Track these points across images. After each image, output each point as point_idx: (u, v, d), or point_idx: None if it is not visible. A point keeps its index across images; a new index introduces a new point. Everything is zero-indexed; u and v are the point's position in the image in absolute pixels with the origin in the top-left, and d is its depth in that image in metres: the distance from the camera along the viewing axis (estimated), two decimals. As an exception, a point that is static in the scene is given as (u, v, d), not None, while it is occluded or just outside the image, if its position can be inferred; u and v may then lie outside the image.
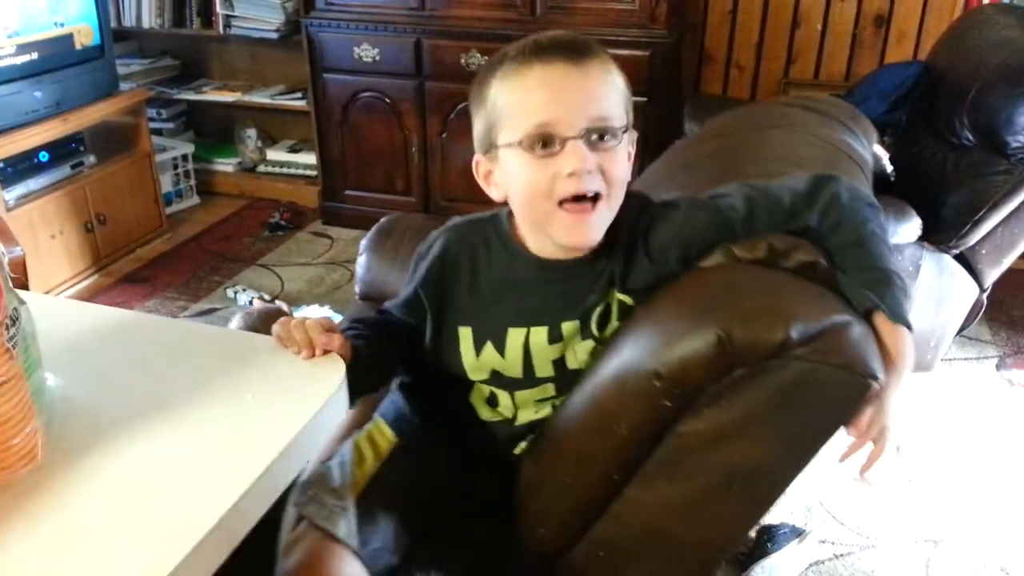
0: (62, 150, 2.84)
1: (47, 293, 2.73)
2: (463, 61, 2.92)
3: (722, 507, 0.96)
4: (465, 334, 1.04)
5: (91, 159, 2.94)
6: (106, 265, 2.98)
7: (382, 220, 1.88)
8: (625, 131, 0.95)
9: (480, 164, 1.01)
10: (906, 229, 2.14)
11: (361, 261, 1.83)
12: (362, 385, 0.95)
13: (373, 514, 1.01)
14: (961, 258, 2.21)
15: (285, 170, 3.62)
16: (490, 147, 0.97)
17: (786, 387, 0.85)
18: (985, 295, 2.30)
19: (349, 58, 3.05)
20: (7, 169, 2.63)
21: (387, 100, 3.08)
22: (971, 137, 2.16)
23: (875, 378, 0.85)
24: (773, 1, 2.95)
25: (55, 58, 2.74)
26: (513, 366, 1.03)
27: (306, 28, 3.07)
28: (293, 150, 3.63)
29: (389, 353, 1.07)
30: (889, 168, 2.08)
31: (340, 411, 0.87)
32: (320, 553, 0.93)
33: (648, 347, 0.91)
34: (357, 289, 1.85)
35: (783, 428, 0.89)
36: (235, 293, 2.81)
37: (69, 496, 0.70)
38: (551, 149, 0.91)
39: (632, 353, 0.94)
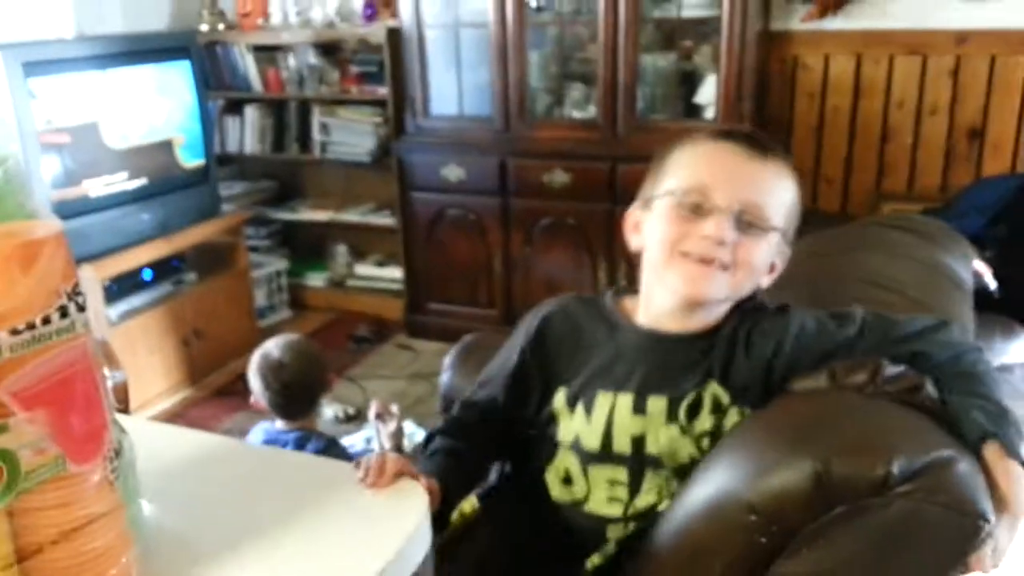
0: (164, 268, 2.98)
1: (142, 406, 2.81)
2: (545, 179, 2.98)
3: None
4: (561, 394, 1.07)
5: (191, 277, 3.08)
6: (200, 378, 3.07)
7: (466, 338, 1.89)
8: (775, 233, 0.99)
9: (632, 215, 1.08)
10: (1016, 347, 2.03)
11: (445, 378, 1.83)
12: (454, 501, 1.01)
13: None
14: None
15: (372, 284, 3.71)
16: (649, 198, 1.04)
17: (889, 528, 0.80)
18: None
19: (436, 178, 3.16)
20: (112, 287, 2.77)
21: (472, 216, 3.16)
22: (1080, 250, 2.06)
23: (986, 519, 0.79)
24: (861, 117, 2.94)
25: (163, 183, 2.92)
26: (594, 433, 1.04)
27: (396, 151, 3.21)
28: (380, 265, 3.74)
29: (480, 462, 1.11)
30: (992, 285, 1.99)
31: (423, 546, 0.86)
32: None
33: (742, 475, 0.88)
34: (439, 405, 1.85)
35: (887, 570, 0.83)
36: (321, 406, 2.84)
37: None
38: (699, 212, 0.97)
39: (726, 480, 0.90)
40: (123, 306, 2.80)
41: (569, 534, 1.08)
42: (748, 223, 0.96)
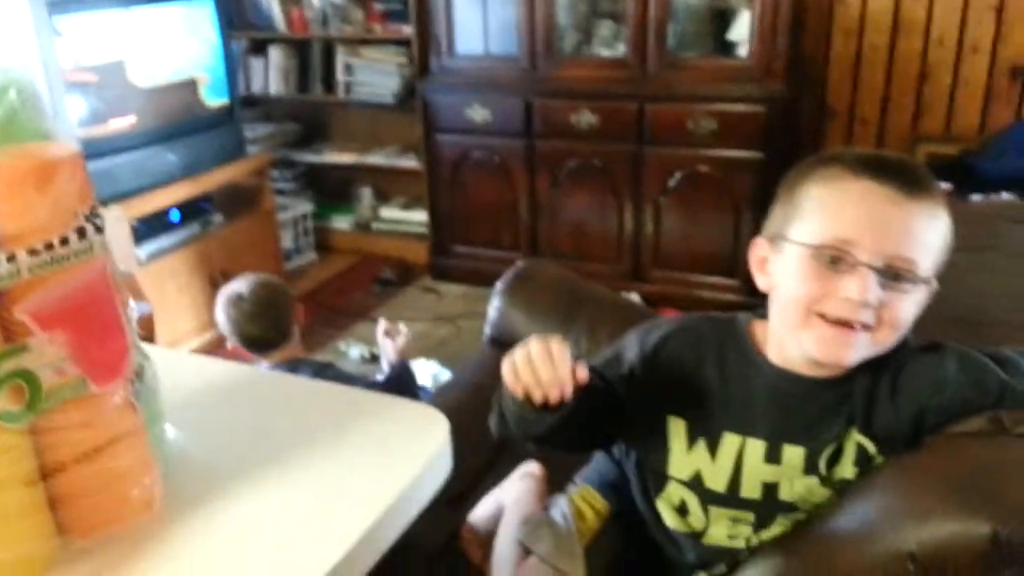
0: (192, 209, 3.00)
1: (173, 344, 2.86)
2: (573, 120, 2.94)
3: None
4: (678, 425, 0.97)
5: (218, 218, 3.10)
6: (228, 319, 3.10)
7: (520, 264, 1.87)
8: (925, 282, 0.87)
9: (759, 247, 0.95)
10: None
11: (494, 304, 1.80)
12: (567, 432, 0.91)
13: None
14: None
15: (397, 227, 3.71)
16: (778, 236, 0.91)
17: None
18: None
19: (460, 119, 3.12)
20: (142, 227, 2.79)
21: (497, 159, 3.13)
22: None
23: None
24: (899, 54, 2.85)
25: (188, 124, 2.92)
26: (719, 474, 0.96)
27: (420, 92, 3.17)
28: (405, 208, 3.73)
29: (603, 412, 0.99)
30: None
31: (442, 475, 0.87)
32: None
33: (902, 522, 0.82)
34: (487, 331, 1.83)
35: None
36: (347, 347, 2.87)
37: (183, 546, 0.72)
38: (839, 267, 0.84)
39: (881, 522, 0.85)
40: (152, 246, 2.83)
41: (677, 555, 1.05)
42: (896, 277, 0.84)
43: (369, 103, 3.50)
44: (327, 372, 1.96)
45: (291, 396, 0.99)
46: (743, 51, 2.73)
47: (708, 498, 0.97)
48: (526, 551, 1.01)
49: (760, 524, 0.96)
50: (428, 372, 2.56)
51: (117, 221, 2.59)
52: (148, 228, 2.82)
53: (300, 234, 3.66)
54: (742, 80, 2.70)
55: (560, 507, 1.06)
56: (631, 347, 1.01)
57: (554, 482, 1.24)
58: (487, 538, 1.18)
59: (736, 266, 2.85)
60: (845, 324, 0.85)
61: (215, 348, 2.95)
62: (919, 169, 0.88)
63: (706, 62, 2.80)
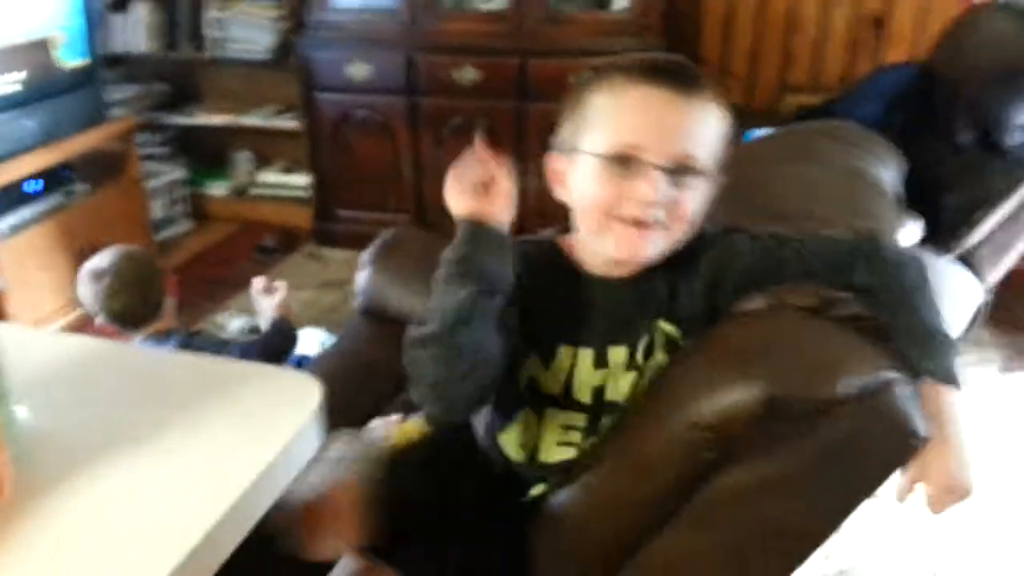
0: (52, 179, 2.81)
1: (37, 324, 2.70)
2: (455, 76, 2.90)
3: (756, 561, 0.94)
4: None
5: (81, 188, 2.91)
6: (98, 293, 2.94)
7: (386, 233, 1.85)
8: (709, 175, 0.93)
9: (554, 161, 0.99)
10: (905, 232, 2.11)
11: (363, 275, 1.78)
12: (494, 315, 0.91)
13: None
14: (962, 261, 2.18)
15: (278, 192, 3.59)
16: (571, 148, 0.95)
17: (832, 445, 0.85)
18: (987, 297, 2.26)
19: (340, 76, 3.03)
20: (-3, 199, 2.60)
21: (379, 117, 3.06)
22: (969, 137, 2.13)
23: (920, 439, 0.84)
24: (767, 8, 2.93)
25: (43, 87, 2.71)
26: (555, 379, 1.01)
27: (298, 48, 3.06)
28: (286, 171, 3.60)
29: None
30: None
31: (313, 443, 0.85)
32: (329, 480, 0.97)
33: (692, 395, 0.90)
34: (357, 303, 1.81)
35: (824, 485, 0.88)
36: (227, 319, 2.76)
37: (38, 532, 0.68)
38: (629, 170, 0.90)
39: (675, 400, 0.92)
40: (10, 219, 2.64)
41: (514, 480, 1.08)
42: (682, 173, 0.90)
43: (242, 60, 3.34)
44: (195, 340, 1.89)
45: (155, 371, 0.96)
46: (621, 4, 2.75)
47: (543, 403, 1.02)
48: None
49: (591, 429, 1.01)
50: (316, 340, 2.51)
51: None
52: (3, 200, 2.63)
53: (173, 202, 3.48)
54: (621, 34, 2.72)
55: (372, 431, 1.12)
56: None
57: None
58: None
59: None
60: (640, 223, 0.91)
61: (83, 327, 2.80)
62: (690, 69, 0.93)
63: (585, 16, 2.80)
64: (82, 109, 2.87)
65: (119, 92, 3.44)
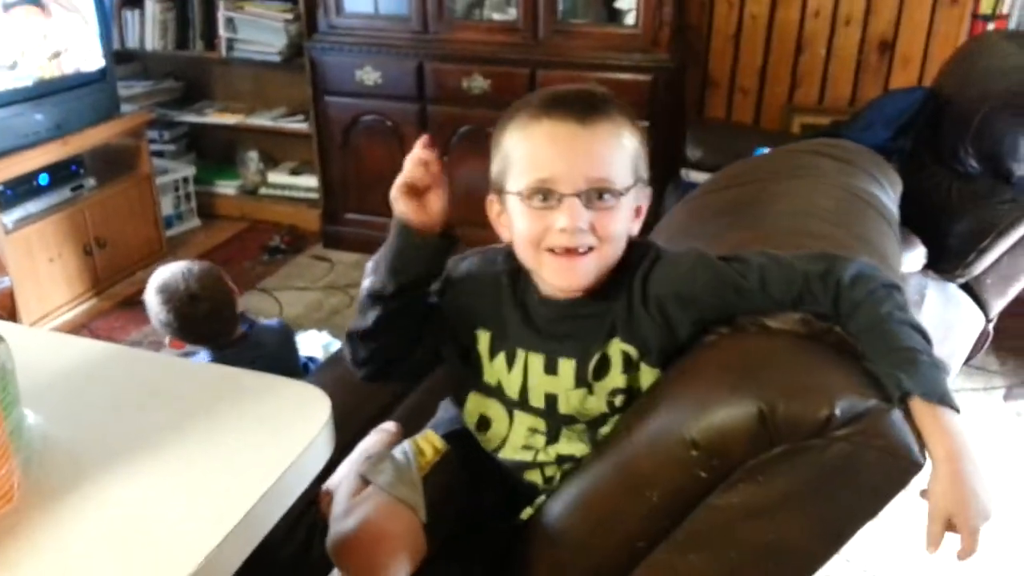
0: (62, 173, 2.83)
1: (44, 317, 2.71)
2: (465, 84, 2.91)
3: None
4: (483, 337, 1.07)
5: (91, 182, 2.93)
6: (105, 288, 2.96)
7: None
8: (629, 190, 0.96)
9: (493, 204, 1.04)
10: (910, 258, 2.12)
11: (367, 284, 1.79)
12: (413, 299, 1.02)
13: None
14: (967, 288, 2.19)
15: (286, 193, 3.61)
16: (500, 189, 1.00)
17: (826, 467, 0.84)
18: (991, 325, 2.27)
19: (351, 81, 3.04)
20: (6, 192, 2.62)
21: (389, 123, 3.07)
22: (976, 165, 2.14)
23: (919, 464, 0.83)
24: (777, 26, 2.94)
25: (56, 81, 2.73)
26: (514, 385, 1.06)
27: (308, 51, 3.08)
28: (294, 173, 3.62)
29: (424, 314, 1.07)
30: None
31: (324, 454, 0.86)
32: (386, 511, 1.01)
33: (685, 413, 0.90)
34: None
35: (820, 508, 0.88)
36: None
37: (46, 538, 0.69)
38: (549, 203, 0.94)
39: (668, 417, 0.93)
40: (19, 212, 2.66)
41: (506, 484, 1.11)
42: (599, 195, 0.94)
43: (253, 61, 3.37)
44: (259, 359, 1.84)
45: (166, 378, 0.96)
46: (631, 19, 2.76)
47: (508, 403, 1.07)
48: (365, 483, 1.07)
49: (551, 436, 1.06)
50: (319, 343, 2.52)
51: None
52: (14, 193, 2.65)
53: (182, 199, 3.51)
54: (629, 48, 2.73)
55: (402, 447, 1.13)
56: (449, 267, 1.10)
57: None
58: None
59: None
60: (570, 252, 0.95)
61: (91, 320, 2.82)
62: (592, 96, 0.96)
63: (595, 29, 2.82)
64: (94, 104, 2.89)
65: (131, 88, 3.46)
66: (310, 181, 3.49)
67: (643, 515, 0.94)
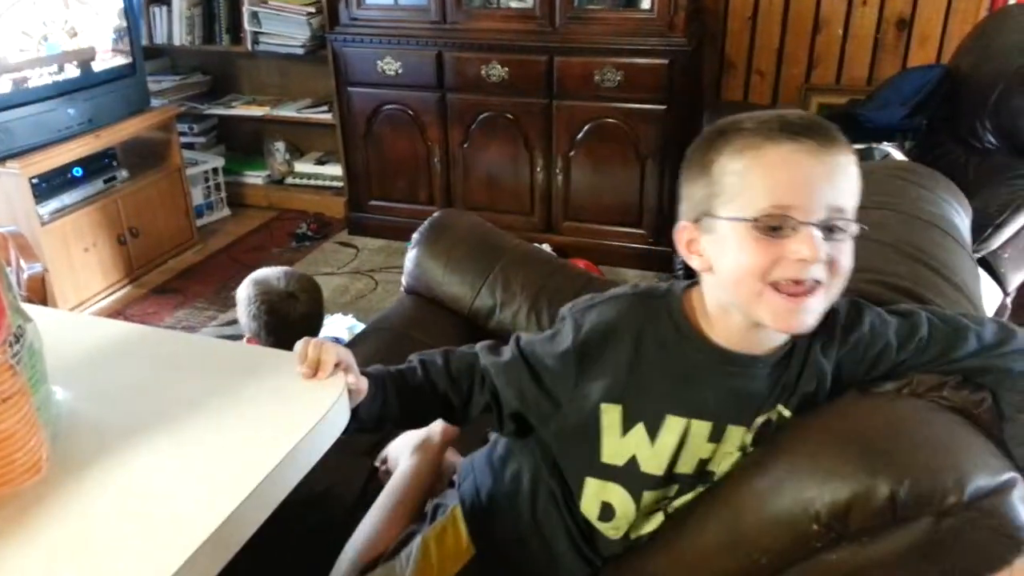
0: (95, 165, 2.92)
1: (80, 305, 2.81)
2: (484, 73, 2.95)
3: None
4: (612, 411, 0.95)
5: (123, 174, 3.02)
6: (138, 277, 3.06)
7: (436, 214, 1.85)
8: (856, 227, 0.89)
9: (686, 231, 0.92)
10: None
11: (411, 255, 1.79)
12: (366, 417, 0.96)
13: None
14: (984, 263, 2.18)
15: (312, 182, 3.68)
16: (704, 215, 0.89)
17: (935, 539, 0.82)
18: (1009, 299, 2.26)
19: (373, 72, 3.09)
20: (41, 185, 2.71)
21: (410, 112, 3.12)
22: (993, 140, 2.13)
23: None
24: (793, 7, 2.93)
25: (88, 76, 2.82)
26: (658, 458, 0.95)
27: (331, 43, 3.13)
28: (320, 162, 3.70)
29: (428, 407, 1.03)
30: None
31: (337, 427, 0.88)
32: None
33: (805, 481, 0.86)
34: (404, 282, 1.83)
35: (921, 574, 0.85)
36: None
37: (71, 508, 0.72)
38: (781, 232, 0.84)
39: (787, 486, 0.88)
40: (54, 204, 2.75)
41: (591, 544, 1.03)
42: (833, 229, 0.85)
43: (278, 54, 3.43)
44: None
45: (188, 355, 0.99)
46: (646, 3, 2.78)
47: (638, 483, 0.96)
48: None
49: (679, 494, 0.98)
50: (344, 326, 2.59)
51: (13, 178, 2.52)
52: (48, 186, 2.74)
53: (212, 189, 3.59)
54: (646, 33, 2.75)
55: (412, 546, 1.07)
56: (564, 335, 0.98)
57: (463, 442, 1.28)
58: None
59: (642, 216, 2.94)
60: (799, 285, 0.85)
61: (126, 307, 2.92)
62: (824, 122, 0.88)
63: (611, 14, 2.83)
64: (125, 98, 2.98)
65: (160, 83, 3.55)
66: (335, 170, 3.56)
67: (738, 570, 0.90)
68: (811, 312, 0.86)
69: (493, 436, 1.14)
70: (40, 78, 2.66)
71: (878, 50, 2.88)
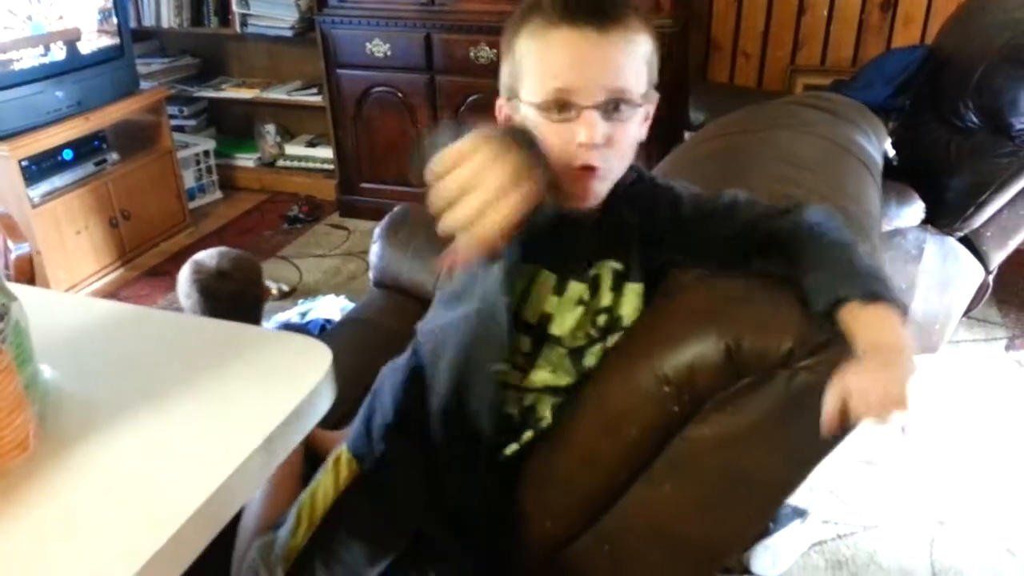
0: (85, 148, 2.92)
1: (73, 287, 2.83)
2: (472, 54, 2.95)
3: (727, 509, 0.98)
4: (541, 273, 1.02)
5: (114, 156, 3.03)
6: (131, 259, 3.08)
7: (395, 209, 1.91)
8: (641, 104, 0.94)
9: (503, 108, 0.99)
10: (909, 212, 2.14)
11: (375, 249, 1.86)
12: None
13: (331, 549, 1.06)
14: (966, 241, 2.21)
15: (303, 164, 3.69)
16: (512, 95, 0.96)
17: (792, 396, 0.87)
18: (991, 277, 2.29)
19: (361, 54, 3.09)
20: (32, 167, 2.71)
21: (399, 94, 3.13)
22: (976, 120, 2.15)
23: None
24: (779, -14, 2.94)
25: (76, 58, 2.82)
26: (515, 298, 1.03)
27: (319, 25, 3.13)
28: (311, 144, 3.70)
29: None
30: (891, 152, 2.09)
31: (324, 403, 0.89)
32: None
33: (657, 352, 0.94)
34: (371, 276, 1.90)
35: (788, 435, 0.91)
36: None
37: (58, 485, 0.73)
38: (567, 114, 0.90)
39: (641, 355, 0.96)
40: (44, 187, 2.76)
41: (476, 439, 1.07)
42: (616, 107, 0.90)
43: (267, 36, 3.43)
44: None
45: (176, 334, 1.00)
46: (634, -16, 2.77)
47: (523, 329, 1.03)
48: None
49: (531, 357, 1.03)
50: (337, 307, 2.61)
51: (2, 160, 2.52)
52: (39, 168, 2.75)
53: (203, 172, 3.60)
54: (634, 13, 2.74)
55: (288, 519, 1.12)
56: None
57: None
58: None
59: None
60: (587, 168, 0.91)
61: (119, 290, 2.94)
62: (608, 1, 0.91)
63: (600, -5, 2.83)
64: (114, 81, 2.98)
65: (149, 65, 3.55)
66: (326, 152, 3.57)
67: (622, 451, 0.98)
68: (599, 184, 0.94)
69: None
70: (27, 60, 2.66)
71: (863, 31, 2.89)
